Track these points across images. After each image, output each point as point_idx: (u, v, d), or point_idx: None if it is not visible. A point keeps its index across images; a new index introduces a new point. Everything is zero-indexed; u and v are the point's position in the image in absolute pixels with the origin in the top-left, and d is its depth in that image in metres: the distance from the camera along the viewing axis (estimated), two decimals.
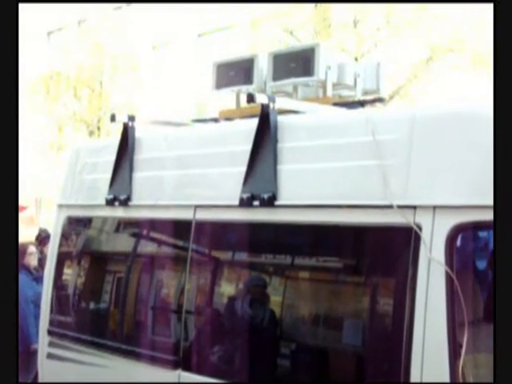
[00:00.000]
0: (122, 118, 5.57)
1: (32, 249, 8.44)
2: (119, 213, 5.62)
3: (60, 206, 6.23)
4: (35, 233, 11.58)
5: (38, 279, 7.57)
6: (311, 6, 23.73)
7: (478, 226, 3.64)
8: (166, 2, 36.12)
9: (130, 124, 5.52)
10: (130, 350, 5.31)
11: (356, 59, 20.09)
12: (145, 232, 5.65)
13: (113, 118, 5.64)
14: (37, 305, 7.36)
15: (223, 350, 4.83)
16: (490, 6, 3.51)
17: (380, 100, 5.15)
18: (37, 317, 7.19)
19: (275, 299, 4.72)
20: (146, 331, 5.42)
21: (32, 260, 8.31)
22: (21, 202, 17.29)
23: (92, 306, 6.14)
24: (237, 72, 5.29)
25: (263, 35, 25.18)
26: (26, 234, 11.39)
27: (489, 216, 3.28)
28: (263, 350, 4.58)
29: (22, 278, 8.02)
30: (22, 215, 13.12)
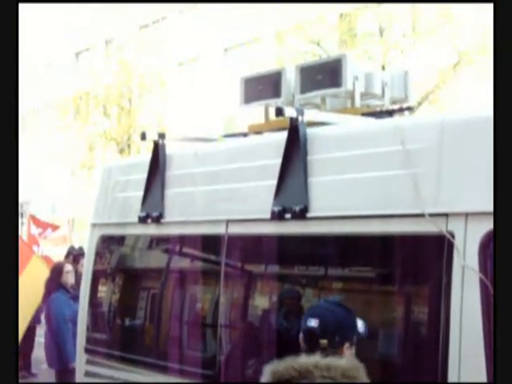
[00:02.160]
0: (152, 136, 5.61)
1: (68, 267, 8.50)
2: (152, 230, 5.66)
3: (93, 225, 6.29)
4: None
5: (75, 298, 7.62)
6: (336, 15, 23.75)
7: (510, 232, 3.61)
8: (190, 15, 36.37)
9: (161, 142, 5.56)
10: (166, 365, 5.33)
11: (383, 67, 20.04)
12: (177, 248, 5.68)
13: (143, 137, 5.69)
14: (74, 323, 7.42)
15: (259, 363, 4.83)
16: None
17: (408, 109, 5.14)
18: (75, 335, 7.25)
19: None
20: (181, 346, 5.44)
21: (69, 278, 8.36)
22: (54, 222, 17.46)
23: (127, 322, 6.18)
24: (265, 86, 5.31)
25: (289, 47, 25.24)
26: (60, 253, 11.51)
27: None
28: None
29: (60, 296, 8.09)
30: (54, 235, 13.25)
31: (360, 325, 3.61)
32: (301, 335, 3.64)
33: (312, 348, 3.45)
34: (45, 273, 8.43)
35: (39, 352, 8.59)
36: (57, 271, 8.36)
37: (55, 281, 8.23)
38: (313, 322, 3.54)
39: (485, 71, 20.36)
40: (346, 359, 3.24)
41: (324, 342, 3.48)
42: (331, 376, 2.99)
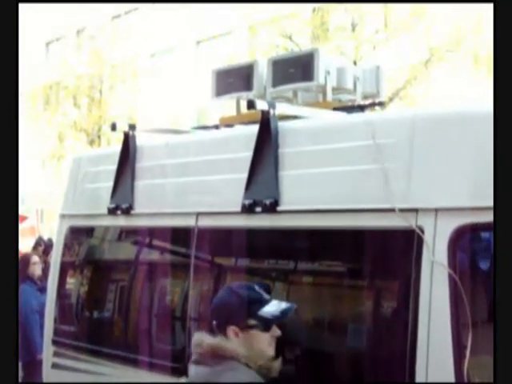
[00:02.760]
0: (122, 127, 5.58)
1: (35, 258, 8.44)
2: (121, 221, 5.62)
3: (62, 216, 6.24)
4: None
5: (42, 289, 7.56)
6: (309, 10, 23.78)
7: (480, 227, 3.64)
8: (162, 6, 36.19)
9: (131, 133, 5.52)
10: (134, 358, 5.31)
11: (355, 63, 20.11)
12: (147, 240, 5.66)
13: (114, 127, 5.65)
14: (42, 315, 7.36)
15: None
16: (489, 5, 3.51)
17: (380, 104, 5.16)
18: (42, 327, 7.19)
19: None
20: (149, 339, 5.42)
21: (36, 270, 8.30)
22: (21, 213, 17.29)
23: (96, 315, 6.14)
24: (236, 79, 5.30)
25: (262, 41, 25.23)
26: (28, 244, 11.41)
27: (491, 218, 3.28)
28: None
29: (26, 288, 8.03)
30: (22, 226, 13.11)
31: (269, 309, 3.63)
32: None
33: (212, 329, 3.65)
34: None
35: None
36: (23, 263, 8.29)
37: (22, 272, 8.15)
38: (211, 306, 3.82)
39: (456, 68, 20.54)
40: (227, 340, 3.55)
41: (214, 323, 3.65)
42: (198, 352, 3.60)
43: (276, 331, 3.63)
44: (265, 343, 3.60)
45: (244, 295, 3.64)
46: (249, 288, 3.73)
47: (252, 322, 3.59)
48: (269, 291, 4.65)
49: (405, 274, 3.85)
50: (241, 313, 3.60)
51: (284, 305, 3.71)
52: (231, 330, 3.57)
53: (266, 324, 3.60)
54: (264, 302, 3.64)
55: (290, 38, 22.86)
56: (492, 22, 3.44)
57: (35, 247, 10.51)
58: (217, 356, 3.57)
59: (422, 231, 3.76)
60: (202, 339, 3.66)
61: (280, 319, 3.64)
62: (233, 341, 3.59)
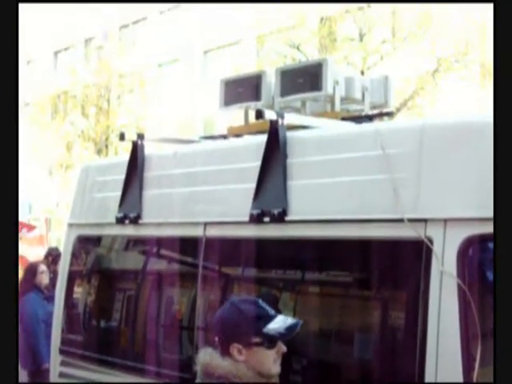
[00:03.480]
0: (130, 137, 5.59)
1: (43, 268, 8.42)
2: (129, 231, 5.62)
3: (70, 225, 6.24)
4: (45, 252, 11.57)
5: (50, 298, 7.55)
6: (316, 20, 23.81)
7: (489, 238, 3.62)
8: (170, 16, 36.29)
9: (139, 142, 5.53)
10: (142, 367, 5.30)
11: (362, 73, 20.14)
12: (155, 250, 5.65)
13: (122, 137, 5.66)
14: (48, 324, 7.36)
15: None
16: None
17: (388, 114, 5.15)
18: (48, 336, 7.19)
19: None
20: (157, 349, 5.41)
21: (43, 279, 8.28)
22: (30, 222, 17.30)
23: (103, 324, 6.14)
24: (245, 88, 5.30)
25: (269, 51, 25.27)
26: (36, 253, 11.42)
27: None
28: None
29: (33, 297, 8.02)
30: (31, 235, 13.12)
31: (274, 326, 3.45)
32: None
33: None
34: (19, 273, 8.34)
35: None
36: (31, 272, 8.28)
37: (29, 281, 8.15)
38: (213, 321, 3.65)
39: (463, 78, 20.53)
40: (226, 360, 3.40)
41: (216, 339, 3.50)
42: (197, 370, 3.49)
43: (282, 347, 3.47)
44: (270, 361, 3.45)
45: (248, 311, 3.47)
46: (253, 303, 3.56)
47: (256, 339, 3.41)
48: (276, 302, 4.65)
49: (414, 284, 3.84)
50: (244, 330, 3.43)
51: (290, 321, 3.53)
52: (235, 347, 3.41)
53: (271, 341, 3.43)
54: (269, 319, 3.47)
55: (298, 48, 22.90)
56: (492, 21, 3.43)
57: (46, 257, 10.48)
58: (206, 373, 3.45)
59: (431, 241, 3.75)
60: (199, 357, 3.51)
61: (286, 336, 3.45)
62: (229, 360, 3.42)
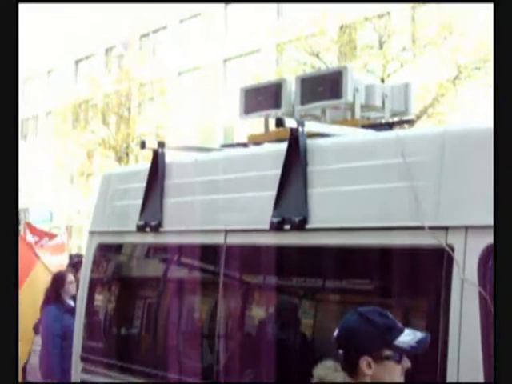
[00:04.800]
0: (151, 145, 5.61)
1: (71, 277, 8.28)
2: (150, 239, 5.65)
3: (91, 233, 6.28)
4: (66, 260, 11.62)
5: (72, 310, 7.46)
6: (336, 28, 23.82)
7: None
8: (190, 25, 36.40)
9: (160, 151, 5.55)
10: (163, 375, 5.31)
11: (382, 80, 20.10)
12: (176, 257, 5.67)
13: (143, 145, 5.68)
14: (64, 338, 7.40)
15: (256, 373, 4.82)
16: None
17: (408, 121, 5.14)
18: (64, 349, 7.23)
19: (307, 322, 4.70)
20: (178, 356, 5.42)
21: (71, 289, 8.14)
22: (51, 230, 17.38)
23: (124, 331, 6.15)
24: (265, 97, 5.31)
25: (289, 59, 25.29)
26: (58, 261, 11.46)
27: None
28: (295, 374, 4.56)
29: (53, 310, 7.92)
30: (52, 243, 13.19)
31: (405, 339, 3.27)
32: None
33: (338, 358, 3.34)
34: (48, 279, 8.32)
35: (35, 359, 8.54)
36: (59, 280, 8.17)
37: (55, 291, 8.07)
38: (335, 332, 3.37)
39: (484, 85, 20.43)
40: (351, 375, 3.22)
41: (340, 352, 3.30)
42: None
43: (407, 362, 3.27)
44: (397, 375, 3.26)
45: (378, 322, 3.28)
46: (381, 314, 3.35)
47: (387, 352, 3.23)
48: (296, 309, 4.66)
49: (434, 292, 3.83)
50: (375, 342, 3.24)
51: (419, 334, 3.32)
52: (364, 360, 3.22)
53: (401, 355, 3.25)
54: (399, 331, 3.28)
55: (318, 55, 22.91)
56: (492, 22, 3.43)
57: (73, 265, 10.42)
58: None
59: (452, 249, 3.73)
60: (318, 372, 3.33)
61: (417, 350, 3.28)
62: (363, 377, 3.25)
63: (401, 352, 3.23)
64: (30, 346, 8.54)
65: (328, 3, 23.68)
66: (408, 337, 3.26)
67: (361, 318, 3.31)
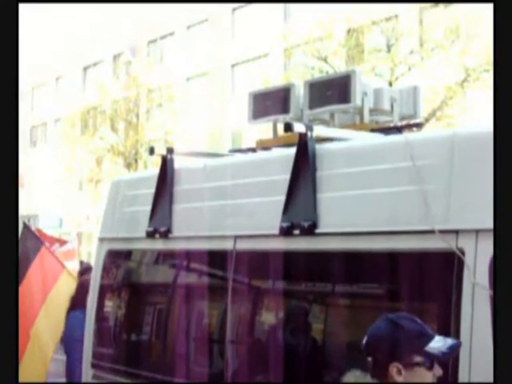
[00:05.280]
0: (160, 151, 5.61)
1: None
2: (159, 245, 5.64)
3: (101, 240, 6.28)
4: (76, 266, 11.61)
5: None
6: (344, 31, 23.82)
7: None
8: (197, 31, 36.47)
9: (169, 156, 5.55)
10: (173, 381, 5.30)
11: (390, 83, 20.08)
12: (185, 263, 5.67)
13: (152, 151, 5.69)
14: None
15: (265, 379, 4.81)
16: None
17: (417, 125, 5.12)
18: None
19: (317, 327, 4.69)
20: (187, 362, 5.41)
21: None
22: (61, 236, 17.39)
23: (134, 337, 6.15)
24: (273, 101, 5.31)
25: (297, 63, 25.31)
26: (68, 267, 11.45)
27: None
28: (305, 379, 4.55)
29: (77, 316, 7.92)
30: (63, 249, 13.20)
31: (436, 345, 3.20)
32: None
33: (367, 366, 3.28)
34: (73, 288, 8.33)
35: (52, 367, 8.55)
36: (85, 288, 8.16)
37: (81, 297, 8.07)
38: (364, 340, 3.30)
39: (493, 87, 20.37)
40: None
41: (369, 360, 3.23)
42: None
43: (439, 370, 3.19)
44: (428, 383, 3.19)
45: (409, 328, 3.21)
46: (412, 319, 3.28)
47: (418, 358, 3.15)
48: (306, 314, 4.64)
49: (445, 296, 3.81)
50: (406, 348, 3.17)
51: (450, 341, 3.27)
52: (394, 367, 3.15)
53: (432, 361, 3.17)
54: (429, 337, 3.21)
55: (325, 59, 22.91)
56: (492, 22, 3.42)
57: (83, 273, 10.42)
58: None
59: (463, 253, 3.71)
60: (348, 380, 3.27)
61: (449, 356, 3.25)
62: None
63: (432, 358, 3.16)
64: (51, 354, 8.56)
65: (336, 3, 23.69)
66: (439, 343, 3.19)
67: (390, 324, 3.24)
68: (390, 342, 3.19)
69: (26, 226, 7.99)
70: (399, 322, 3.23)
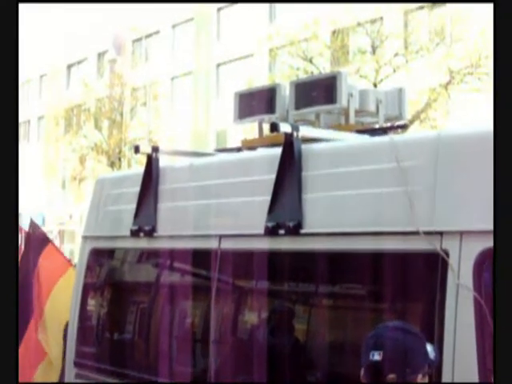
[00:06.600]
0: (145, 150, 5.60)
1: None
2: (144, 244, 5.63)
3: (85, 238, 6.26)
4: None
5: None
6: (329, 33, 23.87)
7: None
8: (182, 29, 36.45)
9: (154, 155, 5.54)
10: (156, 380, 5.29)
11: (375, 85, 20.16)
12: (169, 262, 5.66)
13: (137, 150, 5.67)
14: None
15: (248, 378, 4.81)
16: None
17: (402, 126, 5.14)
18: None
19: (300, 327, 4.70)
20: (171, 361, 5.40)
21: None
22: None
23: (116, 336, 6.13)
24: (259, 101, 5.31)
25: (282, 64, 25.34)
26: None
27: None
28: (288, 378, 4.56)
29: None
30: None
31: (430, 350, 3.17)
32: (362, 371, 3.17)
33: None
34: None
35: None
36: None
37: None
38: (376, 356, 3.06)
39: (476, 90, 20.50)
40: None
41: (392, 376, 3.03)
42: None
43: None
44: None
45: (421, 335, 3.16)
46: (412, 327, 3.24)
47: (426, 367, 3.13)
48: (288, 313, 4.66)
49: (429, 297, 3.82)
50: (426, 357, 3.11)
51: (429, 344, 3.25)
52: (419, 379, 3.07)
53: (431, 367, 3.16)
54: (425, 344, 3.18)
55: (311, 60, 22.94)
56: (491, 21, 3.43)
57: None
58: None
59: (447, 254, 3.73)
60: None
61: (438, 361, 3.26)
62: None
63: (432, 364, 3.16)
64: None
65: (322, 3, 23.74)
66: (432, 350, 3.19)
67: (409, 334, 3.13)
68: (416, 352, 3.09)
69: (32, 223, 7.93)
70: (411, 330, 3.16)
